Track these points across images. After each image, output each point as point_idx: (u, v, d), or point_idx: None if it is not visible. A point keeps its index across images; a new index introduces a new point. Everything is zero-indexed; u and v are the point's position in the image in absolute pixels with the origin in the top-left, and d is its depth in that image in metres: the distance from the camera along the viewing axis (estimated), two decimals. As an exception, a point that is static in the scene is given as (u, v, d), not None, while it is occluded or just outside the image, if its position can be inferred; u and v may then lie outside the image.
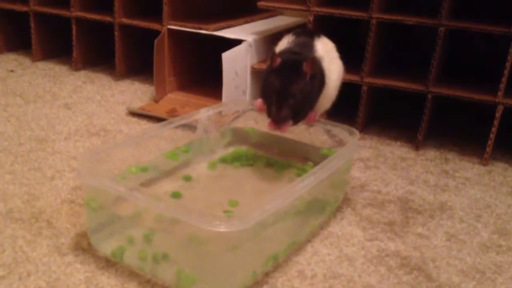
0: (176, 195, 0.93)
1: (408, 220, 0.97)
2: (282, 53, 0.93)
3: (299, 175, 1.01)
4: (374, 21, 1.25)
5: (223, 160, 1.07)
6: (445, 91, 1.23)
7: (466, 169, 1.20)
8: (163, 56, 1.47)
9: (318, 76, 0.91)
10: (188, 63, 1.57)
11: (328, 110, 1.05)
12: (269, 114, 0.88)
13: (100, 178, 0.75)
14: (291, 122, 0.90)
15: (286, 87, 0.86)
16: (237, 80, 1.37)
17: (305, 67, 0.87)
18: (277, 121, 0.87)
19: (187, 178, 0.99)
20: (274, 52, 0.92)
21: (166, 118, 1.24)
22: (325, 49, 0.97)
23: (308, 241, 0.88)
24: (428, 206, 1.02)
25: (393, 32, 1.43)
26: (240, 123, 1.14)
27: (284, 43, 0.98)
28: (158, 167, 0.99)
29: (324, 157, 0.99)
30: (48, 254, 0.80)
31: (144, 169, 0.94)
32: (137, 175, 0.93)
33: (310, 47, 0.94)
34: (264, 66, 1.28)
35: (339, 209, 0.98)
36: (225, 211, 0.87)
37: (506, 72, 1.15)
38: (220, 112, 1.08)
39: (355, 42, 1.58)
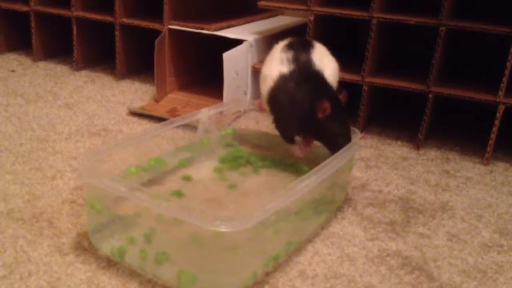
0: (177, 194, 0.93)
1: (409, 220, 0.97)
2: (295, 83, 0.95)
3: (300, 175, 1.00)
4: (375, 21, 1.25)
5: (224, 160, 1.07)
6: (446, 90, 1.23)
7: (467, 168, 1.19)
8: (164, 56, 1.47)
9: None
10: (189, 63, 1.57)
11: None
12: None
13: (101, 178, 0.75)
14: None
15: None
16: (238, 80, 1.37)
17: (320, 113, 0.93)
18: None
19: (188, 178, 0.99)
20: (322, 99, 0.93)
21: (167, 118, 1.24)
22: (320, 57, 0.98)
23: (309, 241, 0.88)
24: (429, 205, 1.02)
25: (394, 32, 1.43)
26: (241, 123, 1.14)
27: (282, 61, 0.97)
28: (158, 167, 0.99)
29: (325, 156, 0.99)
30: (49, 254, 0.81)
31: (144, 169, 0.94)
32: (137, 175, 0.93)
33: (310, 63, 0.96)
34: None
35: (340, 209, 0.98)
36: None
37: (507, 72, 1.15)
38: (221, 112, 1.08)
39: (355, 42, 1.58)
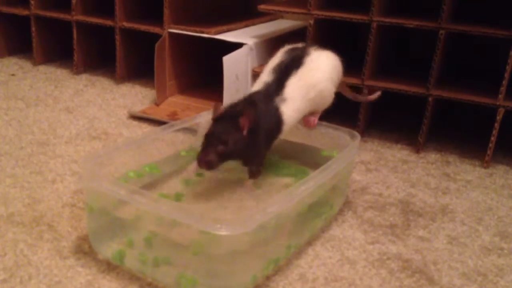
0: (177, 197, 0.93)
1: (409, 223, 0.97)
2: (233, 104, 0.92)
3: (300, 177, 1.00)
4: (374, 25, 1.25)
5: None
6: (445, 93, 1.23)
7: (467, 171, 1.19)
8: (164, 59, 1.47)
9: (267, 125, 0.90)
10: (189, 66, 1.57)
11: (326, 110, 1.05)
12: (198, 156, 0.87)
13: (101, 182, 0.75)
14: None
15: (218, 133, 0.86)
16: (237, 84, 1.37)
17: (242, 121, 0.86)
18: (199, 162, 0.86)
19: (187, 182, 0.99)
20: (217, 103, 0.92)
21: (167, 122, 1.24)
22: (299, 85, 0.95)
23: (309, 244, 0.88)
24: (429, 208, 1.02)
25: (394, 35, 1.43)
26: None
27: (260, 80, 0.97)
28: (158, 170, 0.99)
29: (325, 158, 0.99)
30: (49, 258, 0.80)
31: (141, 175, 0.94)
32: (136, 179, 0.93)
33: (279, 88, 0.93)
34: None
35: (340, 212, 0.98)
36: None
37: (506, 75, 1.15)
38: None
39: (355, 45, 1.58)
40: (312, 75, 0.96)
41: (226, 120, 0.88)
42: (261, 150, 0.92)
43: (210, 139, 0.87)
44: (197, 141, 1.02)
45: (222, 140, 0.86)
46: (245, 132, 0.87)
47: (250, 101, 0.91)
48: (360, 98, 1.22)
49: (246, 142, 0.87)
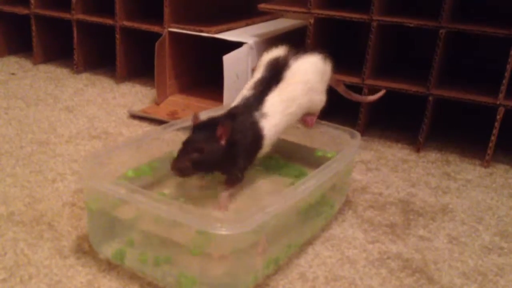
0: (176, 196, 0.93)
1: (409, 223, 0.97)
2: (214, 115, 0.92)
3: (298, 177, 1.00)
4: (375, 24, 1.25)
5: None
6: (446, 93, 1.23)
7: (468, 171, 1.19)
8: (164, 58, 1.47)
9: (246, 138, 0.89)
10: (189, 65, 1.57)
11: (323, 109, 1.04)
12: (171, 163, 0.86)
13: (101, 181, 0.75)
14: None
15: (194, 141, 0.86)
16: (238, 83, 1.37)
17: (219, 132, 0.85)
18: (172, 168, 0.85)
19: (187, 182, 0.99)
20: (196, 113, 0.91)
21: (167, 121, 1.24)
22: (279, 100, 0.93)
23: (309, 243, 0.88)
24: (429, 208, 1.02)
25: (394, 34, 1.43)
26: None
27: (241, 95, 0.96)
28: (157, 169, 0.98)
29: (319, 158, 0.99)
30: (49, 257, 0.81)
31: (138, 174, 0.94)
32: (136, 178, 0.93)
33: (259, 103, 0.92)
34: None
35: (340, 211, 0.98)
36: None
37: (507, 74, 1.15)
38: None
39: (356, 44, 1.58)
40: (291, 90, 0.95)
41: (204, 129, 0.87)
42: (239, 163, 0.90)
43: (186, 146, 0.86)
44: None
45: (197, 148, 0.85)
46: (222, 142, 0.86)
47: (229, 114, 0.90)
48: (358, 97, 1.19)
49: (223, 153, 0.86)
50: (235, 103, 0.95)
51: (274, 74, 0.95)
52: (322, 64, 1.00)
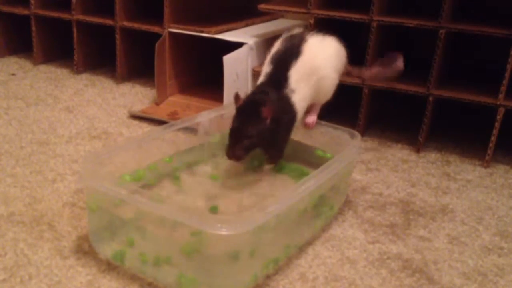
0: (177, 197, 0.93)
1: (409, 223, 0.97)
2: (252, 91, 0.96)
3: (298, 177, 1.00)
4: (374, 24, 1.25)
5: (223, 162, 1.06)
6: (446, 93, 1.23)
7: (468, 171, 1.19)
8: (164, 59, 1.47)
9: (284, 115, 0.94)
10: (189, 66, 1.57)
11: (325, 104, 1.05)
12: (226, 150, 0.92)
13: (101, 181, 0.75)
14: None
15: (243, 127, 0.91)
16: (238, 83, 1.37)
17: (264, 112, 0.90)
18: (229, 156, 0.91)
19: (187, 182, 0.99)
20: (237, 94, 0.94)
21: (168, 121, 1.24)
22: (301, 74, 0.96)
23: (310, 243, 0.88)
24: (429, 208, 1.02)
25: (394, 35, 1.43)
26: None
27: (263, 73, 0.98)
28: (156, 171, 0.98)
29: (319, 158, 0.99)
30: (49, 257, 0.81)
31: (135, 179, 0.94)
32: (135, 180, 0.93)
33: (284, 79, 0.95)
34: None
35: (340, 211, 0.98)
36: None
37: (507, 74, 1.15)
38: (221, 115, 1.08)
39: (356, 44, 1.58)
40: (312, 61, 0.97)
41: (248, 111, 0.91)
42: (282, 138, 0.96)
43: (236, 134, 0.90)
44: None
45: (248, 135, 0.89)
46: (267, 122, 0.90)
47: (263, 92, 0.93)
48: (367, 73, 1.16)
49: (269, 131, 0.91)
50: (260, 80, 0.98)
51: (292, 48, 0.98)
52: (340, 47, 1.03)
